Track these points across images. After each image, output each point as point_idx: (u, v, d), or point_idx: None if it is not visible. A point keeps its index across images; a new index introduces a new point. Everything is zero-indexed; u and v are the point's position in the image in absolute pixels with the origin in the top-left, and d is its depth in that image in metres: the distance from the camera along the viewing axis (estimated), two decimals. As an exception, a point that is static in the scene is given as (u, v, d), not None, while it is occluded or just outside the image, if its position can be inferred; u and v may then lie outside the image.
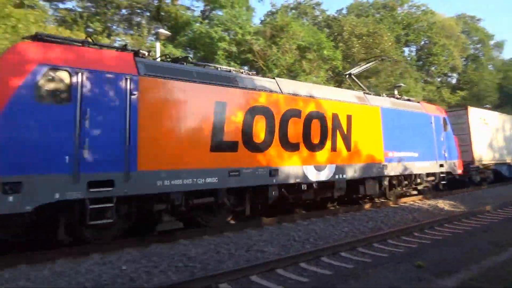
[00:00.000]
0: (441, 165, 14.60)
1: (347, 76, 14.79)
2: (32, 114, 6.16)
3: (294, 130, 9.64)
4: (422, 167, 13.60)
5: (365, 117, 11.72)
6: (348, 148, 10.98)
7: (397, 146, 12.59)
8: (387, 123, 12.42)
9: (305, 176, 9.74)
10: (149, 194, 7.30)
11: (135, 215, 7.53)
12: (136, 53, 7.90)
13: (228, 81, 8.71)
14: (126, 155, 6.90)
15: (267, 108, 9.11)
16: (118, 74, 7.10)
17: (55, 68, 6.53)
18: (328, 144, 10.45)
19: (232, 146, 8.41)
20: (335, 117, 10.74)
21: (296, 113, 9.74)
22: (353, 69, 14.96)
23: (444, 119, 15.43)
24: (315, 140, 10.12)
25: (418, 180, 13.90)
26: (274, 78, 10.09)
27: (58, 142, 6.31)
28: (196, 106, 7.97)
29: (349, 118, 11.12)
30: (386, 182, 12.39)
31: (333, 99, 10.88)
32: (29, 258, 6.30)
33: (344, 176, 10.72)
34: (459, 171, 15.80)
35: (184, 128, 7.78)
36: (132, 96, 7.14)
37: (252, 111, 8.83)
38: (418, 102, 15.08)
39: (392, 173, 12.33)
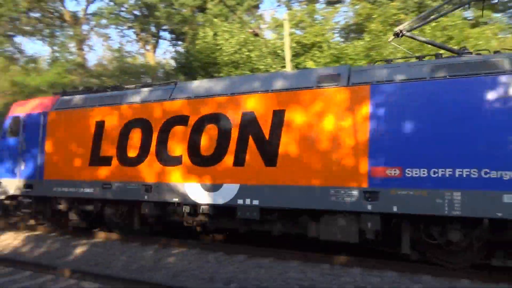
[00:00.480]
0: None
1: (393, 37, 8.26)
2: None
3: (176, 141, 8.56)
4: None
5: (325, 108, 7.38)
6: (271, 161, 7.68)
7: (421, 156, 6.48)
8: (392, 110, 6.80)
9: (185, 196, 8.32)
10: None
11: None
12: None
13: (104, 101, 9.56)
14: None
15: (145, 120, 8.99)
16: None
17: None
18: (229, 156, 8.04)
19: (107, 161, 9.18)
20: (247, 117, 7.98)
21: (181, 121, 8.58)
22: (403, 25, 8.14)
23: None
24: (206, 151, 8.27)
25: None
26: (152, 85, 9.84)
27: None
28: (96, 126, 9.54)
29: (278, 115, 7.77)
30: (373, 226, 6.81)
31: (251, 91, 8.13)
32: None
33: (256, 202, 7.68)
34: None
35: (77, 143, 9.63)
36: None
37: (128, 125, 9.12)
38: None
39: (394, 209, 6.54)
